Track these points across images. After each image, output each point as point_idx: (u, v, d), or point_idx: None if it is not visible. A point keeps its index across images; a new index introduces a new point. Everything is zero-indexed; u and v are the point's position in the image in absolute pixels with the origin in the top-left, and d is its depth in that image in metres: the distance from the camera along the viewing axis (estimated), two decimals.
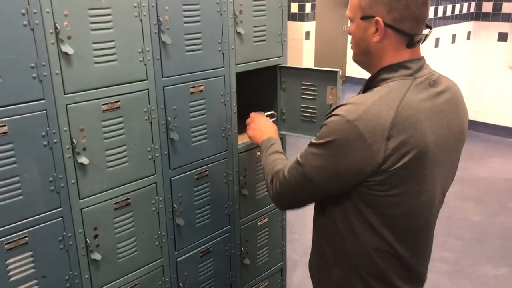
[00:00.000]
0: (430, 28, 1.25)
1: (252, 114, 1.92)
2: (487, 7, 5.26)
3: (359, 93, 1.27)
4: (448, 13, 5.00)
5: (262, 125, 1.79)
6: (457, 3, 5.08)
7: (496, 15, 5.20)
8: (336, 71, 2.00)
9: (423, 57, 1.24)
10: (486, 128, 5.47)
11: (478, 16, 5.33)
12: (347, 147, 1.12)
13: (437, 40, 4.94)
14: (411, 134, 1.12)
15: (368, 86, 1.24)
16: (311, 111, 2.13)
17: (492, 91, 5.35)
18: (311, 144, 1.22)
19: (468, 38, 5.41)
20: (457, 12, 5.12)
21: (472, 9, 5.31)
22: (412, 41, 1.19)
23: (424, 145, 1.15)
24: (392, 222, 1.22)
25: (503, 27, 5.17)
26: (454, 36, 5.19)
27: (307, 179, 1.23)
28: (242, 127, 2.32)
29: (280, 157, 1.49)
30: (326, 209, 1.32)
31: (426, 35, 1.22)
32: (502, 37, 5.21)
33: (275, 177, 1.36)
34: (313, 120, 2.14)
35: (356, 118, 1.11)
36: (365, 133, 1.10)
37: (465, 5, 5.20)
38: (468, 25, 5.34)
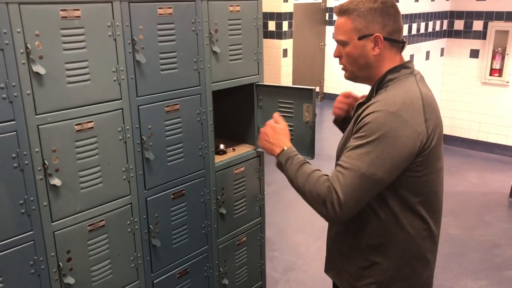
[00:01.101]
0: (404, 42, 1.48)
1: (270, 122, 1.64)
2: (459, 25, 5.40)
3: (370, 96, 1.43)
4: (422, 30, 5.12)
5: (271, 133, 1.56)
6: (430, 21, 5.20)
7: (468, 33, 5.35)
8: (311, 89, 2.02)
9: (410, 59, 1.47)
10: (462, 143, 5.57)
11: (451, 33, 5.47)
12: (398, 134, 1.27)
13: (411, 56, 5.04)
14: (435, 117, 1.35)
15: (378, 87, 1.41)
16: (289, 128, 2.13)
17: (466, 106, 5.46)
18: (357, 147, 1.29)
19: (442, 54, 5.53)
20: (430, 29, 5.24)
21: (445, 27, 5.45)
22: (403, 47, 1.44)
23: (441, 126, 1.38)
24: (426, 200, 1.39)
25: (475, 44, 5.31)
26: (428, 53, 5.30)
27: (368, 178, 1.28)
28: (218, 146, 2.31)
29: (313, 171, 1.37)
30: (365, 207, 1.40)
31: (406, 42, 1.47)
32: (474, 53, 5.35)
33: (328, 199, 1.29)
34: (290, 137, 2.14)
35: (398, 109, 1.28)
36: (409, 119, 1.28)
37: (438, 22, 5.33)
38: (442, 42, 5.47)
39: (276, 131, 1.56)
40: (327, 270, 1.64)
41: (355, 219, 1.41)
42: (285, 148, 1.49)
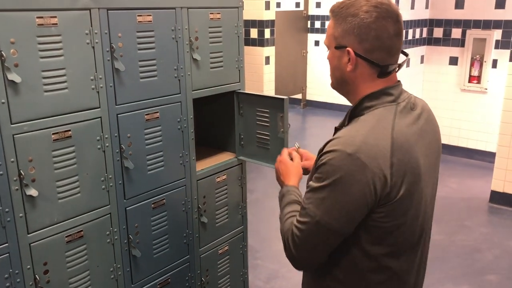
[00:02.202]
0: (406, 55, 1.27)
1: (283, 151, 1.61)
2: (438, 33, 5.48)
3: (344, 122, 1.26)
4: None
5: (282, 170, 1.53)
6: (410, 28, 5.27)
7: (447, 40, 5.43)
8: (283, 99, 1.97)
9: (399, 81, 1.26)
10: (442, 149, 5.60)
11: (430, 41, 5.55)
12: (354, 180, 1.09)
13: None
14: (407, 160, 1.13)
15: (352, 114, 1.23)
16: (266, 137, 2.12)
17: (446, 112, 5.53)
18: (314, 189, 1.15)
19: (422, 62, 5.61)
20: (410, 37, 5.31)
21: (424, 35, 5.53)
22: (382, 71, 1.19)
23: (418, 169, 1.16)
24: (396, 249, 1.21)
25: (454, 51, 5.40)
26: (408, 60, 5.37)
27: (323, 227, 1.14)
28: (201, 153, 2.29)
29: (289, 211, 1.32)
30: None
31: (402, 63, 1.24)
32: (453, 61, 5.43)
33: (286, 240, 1.23)
34: (267, 147, 2.12)
35: (356, 150, 1.09)
36: (369, 163, 1.09)
37: (418, 30, 5.40)
38: (421, 50, 5.54)
39: (287, 167, 1.51)
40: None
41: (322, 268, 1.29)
42: (284, 187, 1.44)
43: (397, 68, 1.22)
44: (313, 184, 1.16)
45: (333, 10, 1.22)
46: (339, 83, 1.27)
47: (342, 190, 1.10)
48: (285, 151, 1.59)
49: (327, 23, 7.67)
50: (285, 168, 1.51)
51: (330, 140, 1.16)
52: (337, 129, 1.28)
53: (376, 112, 1.18)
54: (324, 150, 1.15)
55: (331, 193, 1.12)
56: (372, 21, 1.14)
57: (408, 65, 5.38)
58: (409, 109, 1.21)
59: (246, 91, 2.22)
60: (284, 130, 1.99)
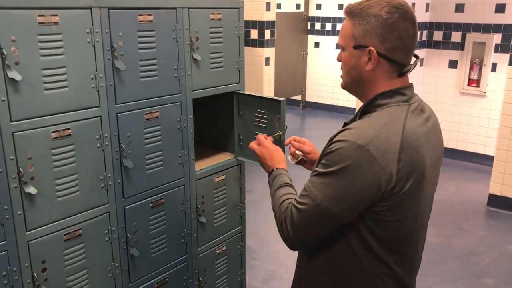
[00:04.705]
0: (417, 57, 1.30)
1: (259, 137, 1.64)
2: (438, 36, 5.49)
3: (355, 117, 1.29)
4: None
5: (266, 154, 1.57)
6: None
7: (446, 44, 5.44)
8: (279, 101, 1.97)
9: (412, 84, 1.28)
10: None
11: (430, 44, 5.56)
12: (361, 171, 1.13)
13: None
14: (415, 158, 1.16)
15: (365, 110, 1.25)
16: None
17: (445, 115, 5.54)
18: (320, 174, 1.19)
19: (422, 65, 5.62)
20: None
21: (424, 37, 5.54)
22: (402, 70, 1.23)
23: (423, 169, 1.19)
24: (393, 245, 1.25)
25: (453, 55, 5.41)
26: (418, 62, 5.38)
27: (322, 211, 1.18)
28: (200, 153, 2.29)
29: (285, 194, 1.36)
30: (325, 239, 1.29)
31: (415, 64, 1.27)
32: (452, 64, 5.44)
33: (283, 220, 1.27)
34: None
35: (367, 142, 1.13)
36: (378, 156, 1.12)
37: (418, 33, 5.42)
38: (421, 53, 5.55)
39: (271, 152, 1.56)
40: None
41: (317, 249, 1.32)
42: (274, 170, 1.49)
43: (412, 68, 1.25)
44: (319, 169, 1.20)
45: (351, 11, 1.24)
46: (355, 83, 1.28)
47: (347, 179, 1.14)
48: (261, 137, 1.63)
49: (327, 24, 7.73)
50: (269, 153, 1.56)
51: (342, 130, 1.20)
52: (346, 125, 1.30)
53: (389, 110, 1.21)
54: (334, 139, 1.19)
55: (335, 180, 1.16)
56: (395, 21, 1.18)
57: None
58: (420, 111, 1.25)
59: (246, 92, 2.22)
60: (281, 132, 1.98)
